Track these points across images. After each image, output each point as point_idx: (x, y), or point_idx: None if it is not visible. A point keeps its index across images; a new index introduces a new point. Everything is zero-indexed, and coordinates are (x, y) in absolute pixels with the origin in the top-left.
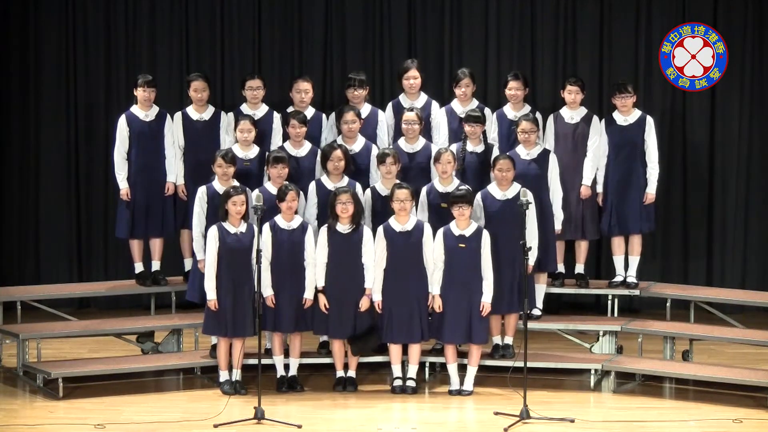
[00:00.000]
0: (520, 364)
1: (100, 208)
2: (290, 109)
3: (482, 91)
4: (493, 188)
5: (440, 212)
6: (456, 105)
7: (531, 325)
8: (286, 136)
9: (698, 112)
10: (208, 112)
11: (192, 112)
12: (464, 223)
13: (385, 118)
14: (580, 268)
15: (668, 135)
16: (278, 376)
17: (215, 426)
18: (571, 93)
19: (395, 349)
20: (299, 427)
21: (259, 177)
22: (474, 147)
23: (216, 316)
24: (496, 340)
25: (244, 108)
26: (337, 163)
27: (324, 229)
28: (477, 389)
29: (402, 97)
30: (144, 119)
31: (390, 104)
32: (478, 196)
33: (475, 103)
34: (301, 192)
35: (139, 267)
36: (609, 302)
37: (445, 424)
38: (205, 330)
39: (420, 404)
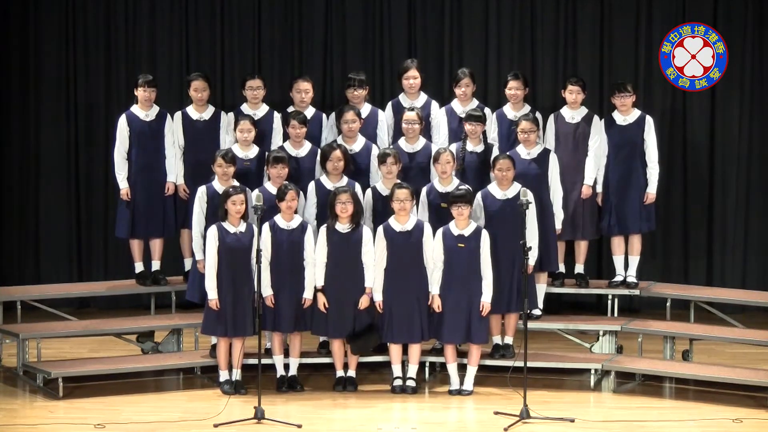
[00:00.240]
0: (520, 363)
1: (100, 208)
2: (290, 109)
3: (482, 91)
4: (493, 188)
5: (440, 212)
6: (456, 105)
7: (531, 324)
8: (286, 136)
9: (698, 112)
10: (208, 112)
11: (192, 111)
12: (463, 222)
13: (385, 117)
14: (580, 268)
15: (668, 135)
16: (278, 375)
17: (215, 426)
18: (572, 93)
19: (395, 349)
20: (299, 426)
21: (259, 177)
22: (474, 147)
23: (216, 315)
24: (496, 339)
25: (245, 108)
26: (336, 164)
27: (323, 229)
28: (477, 389)
29: (402, 97)
30: (144, 119)
31: (389, 104)
32: (479, 195)
33: (475, 103)
34: (300, 192)
35: (139, 267)
36: (609, 302)
37: (445, 424)
38: (204, 330)
39: (420, 404)
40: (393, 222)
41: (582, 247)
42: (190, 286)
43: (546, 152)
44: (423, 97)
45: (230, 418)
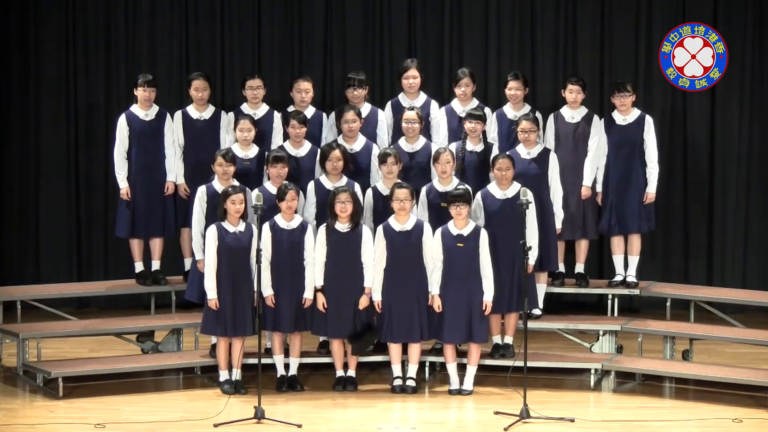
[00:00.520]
0: (520, 363)
1: (100, 208)
2: (290, 109)
3: (482, 91)
4: (493, 188)
5: (440, 212)
6: (456, 104)
7: (531, 324)
8: (286, 136)
9: (698, 112)
10: (208, 112)
11: (192, 111)
12: (462, 222)
13: (385, 117)
14: (580, 268)
15: (668, 135)
16: (278, 375)
17: (215, 426)
18: (573, 92)
19: (395, 349)
20: (299, 426)
21: (259, 176)
22: (473, 146)
23: (215, 315)
24: (496, 339)
25: (245, 107)
26: (335, 163)
27: (323, 229)
28: (477, 389)
29: (401, 97)
30: (144, 119)
31: (389, 103)
32: (478, 195)
33: (475, 102)
34: (300, 191)
35: (139, 266)
36: (609, 302)
37: (445, 423)
38: (203, 330)
39: (420, 404)
40: (393, 222)
41: (582, 247)
42: (189, 285)
43: (546, 152)
44: (423, 97)
45: (230, 417)
